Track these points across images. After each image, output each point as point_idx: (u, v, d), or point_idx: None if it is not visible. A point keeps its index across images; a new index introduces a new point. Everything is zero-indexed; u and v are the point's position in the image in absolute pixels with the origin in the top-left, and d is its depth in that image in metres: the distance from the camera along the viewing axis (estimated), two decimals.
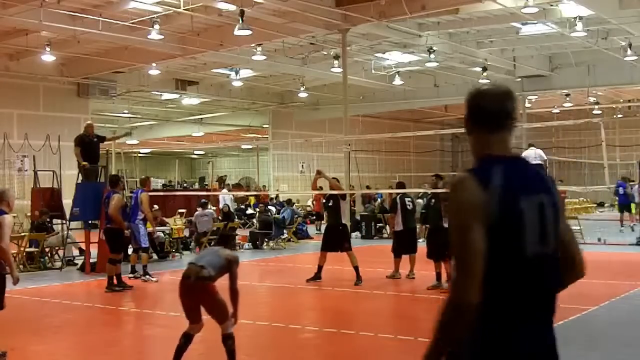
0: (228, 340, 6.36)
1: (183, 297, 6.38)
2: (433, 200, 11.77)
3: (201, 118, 37.51)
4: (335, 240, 12.32)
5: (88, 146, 14.35)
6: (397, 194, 13.27)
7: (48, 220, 15.63)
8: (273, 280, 13.50)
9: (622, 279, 12.01)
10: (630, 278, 12.09)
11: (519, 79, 29.23)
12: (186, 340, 6.36)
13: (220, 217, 20.01)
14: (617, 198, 24.10)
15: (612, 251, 17.28)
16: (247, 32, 17.57)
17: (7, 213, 6.96)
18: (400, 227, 12.73)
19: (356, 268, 12.11)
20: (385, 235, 23.47)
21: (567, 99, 32.53)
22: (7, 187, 9.08)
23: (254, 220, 22.89)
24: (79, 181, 14.68)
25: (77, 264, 14.93)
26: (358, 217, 23.14)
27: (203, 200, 19.91)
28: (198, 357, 7.52)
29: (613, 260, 16.18)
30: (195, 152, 50.83)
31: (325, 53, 24.18)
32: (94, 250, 14.13)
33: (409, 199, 13.00)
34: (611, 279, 11.87)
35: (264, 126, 37.26)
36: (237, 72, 27.22)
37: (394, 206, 12.90)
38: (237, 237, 19.67)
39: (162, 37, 18.96)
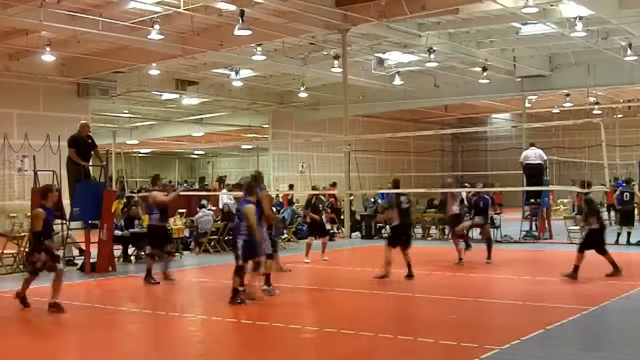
0: None
1: None
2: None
3: (201, 118, 37.49)
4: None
5: (82, 147, 14.31)
6: (313, 195, 16.31)
7: None
8: (272, 281, 13.45)
9: (622, 279, 12.00)
10: (630, 278, 12.08)
11: (519, 79, 29.24)
12: None
13: (219, 217, 19.99)
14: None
15: (611, 251, 17.24)
16: (247, 32, 17.58)
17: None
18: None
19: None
20: (386, 235, 23.49)
21: (567, 99, 32.53)
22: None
23: None
24: (70, 182, 14.72)
25: (77, 264, 14.92)
26: (358, 217, 23.11)
27: (202, 201, 19.94)
28: (199, 357, 7.52)
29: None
30: (195, 152, 50.82)
31: (325, 53, 24.17)
32: (94, 251, 14.13)
33: (321, 200, 16.06)
34: (611, 279, 11.88)
35: (264, 126, 37.24)
36: (237, 72, 27.20)
37: (307, 205, 15.94)
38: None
39: (162, 37, 18.97)
